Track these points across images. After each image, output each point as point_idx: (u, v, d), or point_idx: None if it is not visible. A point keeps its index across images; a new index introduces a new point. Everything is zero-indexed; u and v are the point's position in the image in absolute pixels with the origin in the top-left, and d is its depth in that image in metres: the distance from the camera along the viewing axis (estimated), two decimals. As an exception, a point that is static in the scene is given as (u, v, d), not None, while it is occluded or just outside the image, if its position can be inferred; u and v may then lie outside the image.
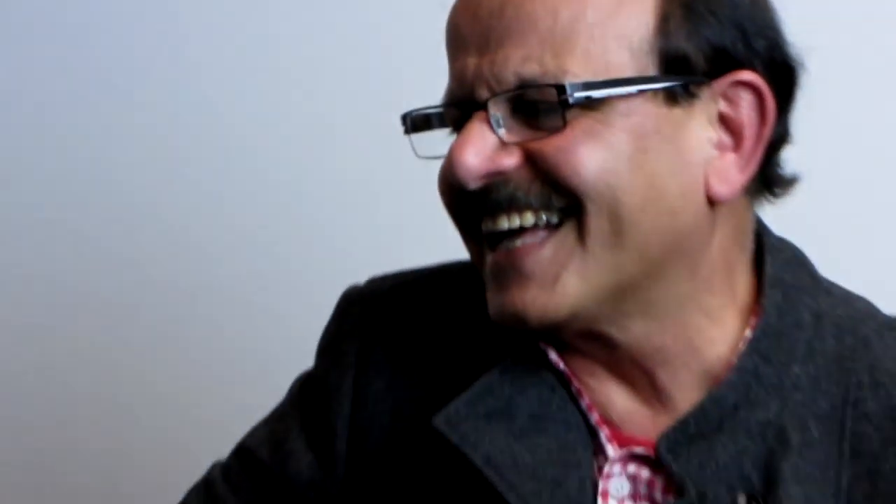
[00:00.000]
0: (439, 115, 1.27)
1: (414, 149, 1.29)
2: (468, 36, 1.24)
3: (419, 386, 1.35)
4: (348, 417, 1.36)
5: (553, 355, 1.29)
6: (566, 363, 1.30)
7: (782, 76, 1.27)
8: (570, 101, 1.20)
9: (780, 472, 1.24)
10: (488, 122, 1.22)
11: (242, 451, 1.40)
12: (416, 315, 1.38)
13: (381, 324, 1.39)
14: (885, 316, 1.33)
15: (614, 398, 1.30)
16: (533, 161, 1.22)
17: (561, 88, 1.20)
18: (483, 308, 1.27)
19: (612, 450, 1.27)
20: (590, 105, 1.21)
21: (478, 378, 1.31)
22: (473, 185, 1.23)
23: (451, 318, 1.37)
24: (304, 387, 1.41)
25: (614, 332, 1.27)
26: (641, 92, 1.22)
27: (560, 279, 1.23)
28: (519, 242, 1.23)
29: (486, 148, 1.22)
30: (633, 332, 1.27)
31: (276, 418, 1.41)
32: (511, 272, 1.24)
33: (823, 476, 1.25)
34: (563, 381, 1.30)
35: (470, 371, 1.32)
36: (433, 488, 1.31)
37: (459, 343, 1.35)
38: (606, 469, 1.27)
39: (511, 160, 1.23)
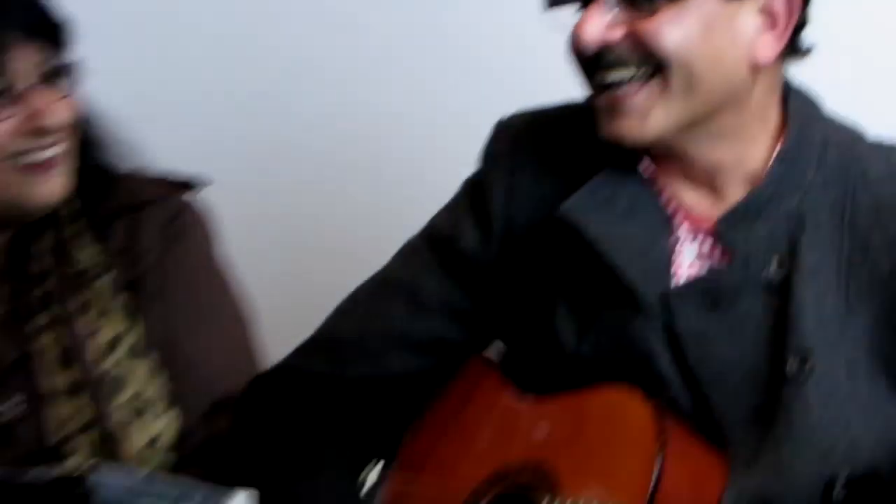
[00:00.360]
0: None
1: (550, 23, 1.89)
2: None
3: (552, 184, 1.97)
4: (502, 206, 1.99)
5: (643, 164, 1.93)
6: (652, 170, 1.93)
7: None
8: None
9: (799, 243, 1.88)
10: (603, 6, 1.82)
11: (428, 229, 2.04)
12: (552, 133, 2.00)
13: (527, 138, 2.01)
14: (871, 139, 1.96)
15: (684, 194, 1.92)
16: (633, 35, 1.82)
17: None
18: (594, 131, 1.91)
19: (683, 229, 1.91)
20: None
21: (590, 179, 1.95)
22: (589, 50, 1.83)
23: (575, 137, 1.97)
24: (470, 184, 2.03)
25: (687, 149, 1.89)
26: None
27: (648, 115, 1.84)
28: (620, 91, 1.83)
29: (600, 24, 1.82)
30: (700, 149, 1.89)
31: (451, 209, 2.04)
32: (614, 110, 1.85)
33: (831, 247, 1.89)
34: (649, 182, 1.93)
35: (587, 174, 1.95)
36: (561, 261, 1.95)
37: (581, 154, 1.96)
38: (679, 244, 1.91)
39: (617, 33, 1.83)
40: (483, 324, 2.06)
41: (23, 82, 2.17)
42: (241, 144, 3.09)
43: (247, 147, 3.09)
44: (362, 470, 2.12)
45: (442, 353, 2.06)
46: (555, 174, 2.03)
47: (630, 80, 1.86)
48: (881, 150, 1.99)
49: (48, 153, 2.20)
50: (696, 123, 1.90)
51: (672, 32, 1.84)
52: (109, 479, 1.74)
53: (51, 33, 2.21)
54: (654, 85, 1.86)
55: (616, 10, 1.86)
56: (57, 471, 1.78)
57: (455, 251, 2.05)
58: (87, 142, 2.30)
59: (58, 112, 2.19)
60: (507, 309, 2.05)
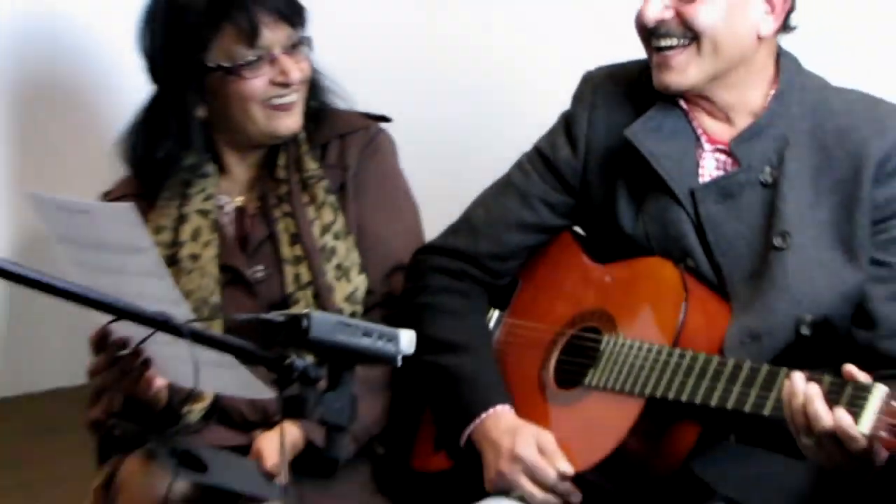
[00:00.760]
0: None
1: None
2: None
3: (620, 116, 2.68)
4: (585, 131, 2.72)
5: (682, 102, 2.63)
6: (687, 106, 2.63)
7: None
8: None
9: (784, 156, 2.56)
10: None
11: (534, 147, 2.77)
12: (620, 82, 2.72)
13: (602, 85, 2.73)
14: (832, 85, 2.63)
15: (708, 123, 2.63)
16: (679, 15, 2.55)
17: None
18: (650, 82, 2.62)
19: (707, 146, 2.62)
20: None
21: (645, 112, 2.64)
22: (650, 24, 2.55)
23: (636, 84, 2.69)
24: (563, 117, 2.76)
25: (711, 94, 2.60)
26: None
27: (686, 70, 2.57)
28: (670, 52, 2.56)
29: (658, 6, 2.55)
30: (720, 93, 2.60)
31: (550, 133, 2.77)
32: (664, 66, 2.58)
33: (807, 159, 2.55)
34: (685, 114, 2.63)
35: (643, 109, 2.66)
36: (625, 168, 2.66)
37: (639, 96, 2.67)
38: (704, 156, 2.63)
39: (668, 14, 2.56)
40: (572, 213, 2.73)
41: (275, 50, 2.78)
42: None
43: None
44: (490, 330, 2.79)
45: (543, 232, 2.75)
46: (621, 109, 2.69)
47: (675, 46, 2.55)
48: (840, 92, 2.63)
49: (288, 98, 2.82)
50: (718, 76, 2.57)
51: (705, 14, 2.53)
52: (322, 318, 2.12)
53: (293, 16, 2.81)
54: (691, 49, 2.55)
55: None
56: (288, 313, 2.20)
57: (552, 162, 2.73)
58: (312, 89, 2.88)
59: (296, 71, 2.79)
60: (588, 202, 2.70)
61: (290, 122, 2.85)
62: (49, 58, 3.47)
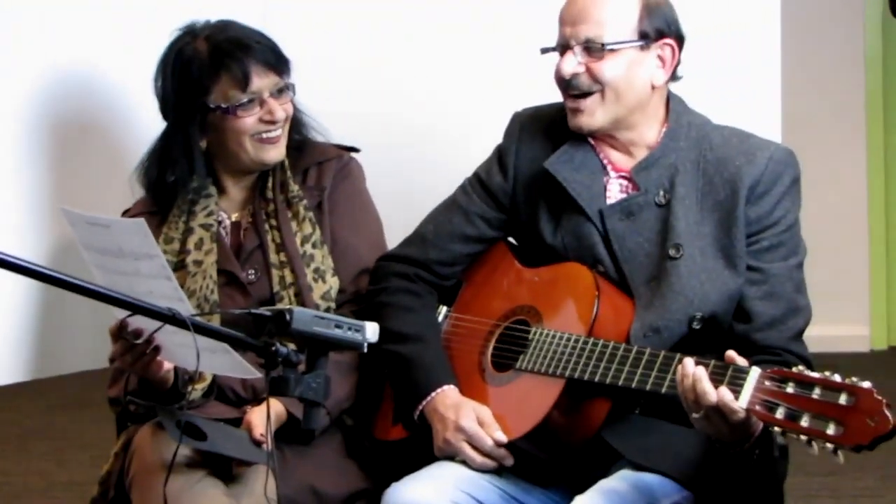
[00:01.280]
0: (554, 48, 2.74)
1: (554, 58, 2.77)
2: (566, 17, 2.71)
3: (541, 149, 2.82)
4: (514, 160, 2.86)
5: (590, 139, 2.78)
6: (595, 142, 2.77)
7: (680, 40, 2.75)
8: (605, 47, 2.68)
9: (675, 181, 2.71)
10: (572, 54, 2.70)
11: (474, 174, 2.92)
12: (542, 120, 2.86)
13: (528, 123, 2.87)
14: (713, 123, 2.78)
15: (613, 154, 2.78)
16: (588, 71, 2.71)
17: (602, 44, 2.68)
18: (566, 122, 2.77)
19: (613, 173, 2.76)
20: (611, 50, 2.68)
21: (560, 147, 2.77)
22: (566, 76, 2.70)
23: (555, 122, 2.81)
24: (497, 149, 2.90)
25: (615, 133, 2.75)
26: (632, 45, 2.69)
27: (595, 114, 2.72)
28: (581, 100, 2.71)
29: (572, 64, 2.71)
30: (623, 133, 2.76)
31: (486, 163, 2.91)
32: (577, 111, 2.73)
33: (693, 184, 2.70)
34: (593, 148, 2.77)
35: (560, 143, 2.78)
36: (545, 193, 2.79)
37: (557, 132, 2.80)
38: (610, 182, 2.77)
39: (581, 68, 2.71)
40: (505, 226, 2.88)
41: (264, 94, 2.93)
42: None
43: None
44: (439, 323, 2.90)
45: (481, 242, 2.89)
46: (542, 143, 2.84)
47: (585, 95, 2.72)
48: (718, 128, 2.79)
49: (274, 133, 2.95)
50: (619, 119, 2.74)
51: (609, 70, 2.69)
52: (302, 313, 2.31)
53: (279, 66, 2.96)
54: (596, 97, 2.71)
55: (579, 56, 2.70)
56: (274, 309, 2.35)
57: (488, 185, 2.88)
58: (294, 125, 3.02)
59: (280, 111, 2.94)
60: (517, 218, 2.85)
61: (275, 153, 2.99)
62: (83, 97, 3.59)
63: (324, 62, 3.82)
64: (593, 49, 2.70)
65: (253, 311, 2.35)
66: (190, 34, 3.00)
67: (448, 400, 2.76)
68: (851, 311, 5.72)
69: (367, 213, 3.09)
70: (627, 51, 2.71)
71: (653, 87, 2.76)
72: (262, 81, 2.96)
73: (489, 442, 2.71)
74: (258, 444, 2.79)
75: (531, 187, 2.84)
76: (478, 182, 2.92)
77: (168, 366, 2.73)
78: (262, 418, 2.81)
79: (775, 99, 3.84)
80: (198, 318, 2.36)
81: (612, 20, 2.71)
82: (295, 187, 3.04)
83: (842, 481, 4.04)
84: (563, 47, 2.73)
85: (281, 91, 2.99)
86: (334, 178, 3.05)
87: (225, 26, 3.00)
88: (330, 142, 3.13)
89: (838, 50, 5.71)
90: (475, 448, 2.72)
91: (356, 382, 2.95)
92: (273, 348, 2.34)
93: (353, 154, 3.14)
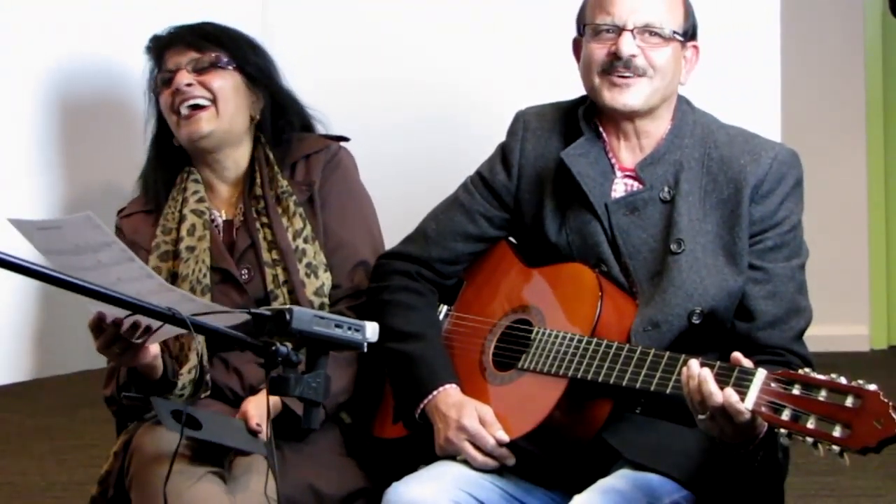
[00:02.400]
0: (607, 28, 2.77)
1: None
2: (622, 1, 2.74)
3: (543, 146, 2.86)
4: (518, 158, 2.88)
5: (603, 135, 2.81)
6: (607, 137, 2.81)
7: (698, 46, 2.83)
8: (665, 35, 2.73)
9: (680, 178, 2.74)
10: (631, 34, 2.73)
11: (477, 172, 2.93)
12: (545, 118, 2.89)
13: (532, 121, 2.89)
14: (718, 121, 2.81)
15: (621, 153, 2.80)
16: (644, 55, 2.73)
17: (666, 32, 2.73)
18: (571, 117, 2.87)
19: (619, 172, 2.79)
20: (669, 38, 2.74)
21: (569, 144, 2.81)
22: (625, 56, 2.71)
23: (558, 123, 2.87)
24: (500, 147, 2.92)
25: (638, 119, 2.77)
26: (679, 39, 2.76)
27: (639, 95, 2.73)
28: (632, 79, 2.73)
29: (632, 45, 2.72)
30: (643, 121, 2.78)
31: (490, 161, 2.92)
32: (624, 88, 2.74)
33: (697, 181, 2.73)
34: (604, 146, 2.79)
35: (567, 139, 2.83)
36: (551, 188, 2.81)
37: (563, 129, 2.86)
38: (616, 181, 2.79)
39: (638, 51, 2.72)
40: (507, 225, 2.89)
41: (181, 69, 2.94)
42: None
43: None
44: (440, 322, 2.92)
45: (483, 241, 2.90)
46: (547, 141, 2.86)
47: (633, 76, 2.73)
48: (724, 127, 2.81)
49: (184, 110, 2.94)
50: (653, 106, 2.76)
51: (664, 57, 2.74)
52: (302, 312, 2.30)
53: (197, 41, 2.96)
54: (646, 80, 2.73)
55: (637, 38, 2.72)
56: (274, 308, 2.33)
57: (491, 184, 2.89)
58: (275, 113, 3.02)
59: (185, 79, 2.92)
60: (521, 217, 2.86)
61: (193, 128, 2.98)
62: (90, 91, 3.62)
63: (323, 60, 3.84)
64: (653, 34, 2.75)
65: (253, 310, 2.35)
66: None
67: (450, 399, 2.77)
68: (851, 310, 5.73)
69: (360, 205, 3.08)
70: (676, 43, 2.77)
71: (680, 82, 2.82)
72: (177, 57, 2.99)
73: (491, 441, 2.71)
74: (254, 433, 2.79)
75: (536, 185, 2.87)
76: (480, 180, 2.93)
77: (155, 350, 2.75)
78: (258, 407, 2.82)
79: (775, 99, 3.85)
80: (198, 318, 2.35)
81: (670, 11, 2.77)
82: (284, 182, 3.03)
83: (842, 481, 4.05)
84: (620, 29, 2.75)
85: (202, 67, 2.99)
86: (323, 172, 3.04)
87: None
88: (317, 133, 3.13)
89: (838, 50, 5.72)
90: (477, 447, 2.72)
91: (353, 376, 2.96)
92: (273, 348, 2.34)
93: (344, 143, 3.12)
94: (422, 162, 3.81)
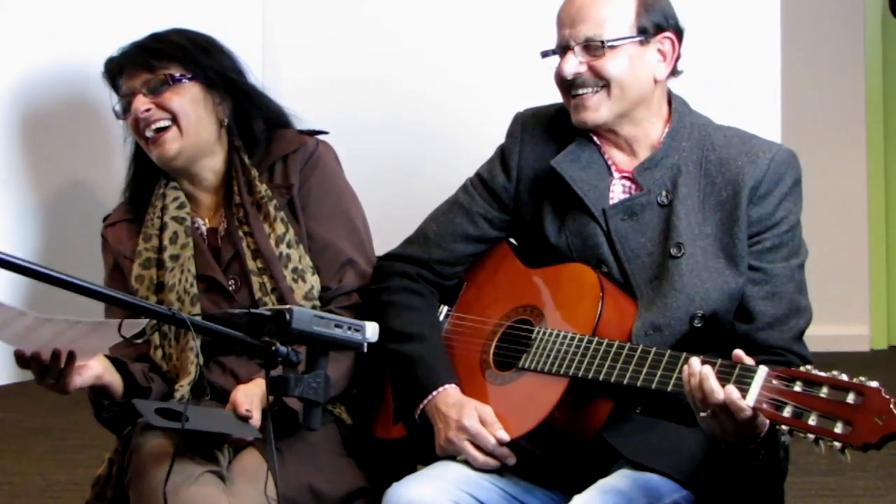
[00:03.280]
0: (554, 52, 2.77)
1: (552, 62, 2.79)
2: (564, 19, 2.73)
3: (543, 149, 2.85)
4: (517, 160, 2.87)
5: (595, 139, 2.80)
6: (600, 141, 2.79)
7: (679, 33, 2.76)
8: (605, 45, 2.69)
9: (677, 181, 2.73)
10: (572, 54, 2.72)
11: (477, 174, 2.94)
12: (543, 120, 2.88)
13: (530, 123, 2.89)
14: (715, 123, 2.79)
15: (616, 155, 2.80)
16: (591, 69, 2.71)
17: (602, 42, 2.70)
18: (569, 119, 2.78)
19: (616, 174, 2.78)
20: (611, 46, 2.69)
21: (567, 146, 2.80)
22: (569, 77, 2.71)
23: (556, 122, 2.85)
24: (500, 149, 2.92)
25: (619, 129, 2.77)
26: (632, 41, 2.71)
27: (599, 109, 2.72)
28: (585, 96, 2.72)
29: (574, 64, 2.72)
30: (626, 129, 2.77)
31: (489, 162, 2.93)
32: (581, 107, 2.73)
33: (695, 184, 2.71)
34: (598, 148, 2.78)
35: (563, 142, 2.82)
36: (550, 192, 2.80)
37: (559, 131, 2.83)
38: (613, 183, 2.78)
39: (583, 67, 2.72)
40: (507, 227, 2.89)
41: (136, 92, 2.89)
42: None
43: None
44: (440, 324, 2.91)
45: (483, 242, 2.91)
46: (545, 143, 2.85)
47: (589, 92, 2.73)
48: (720, 129, 2.80)
49: (149, 133, 2.89)
50: (624, 114, 2.74)
51: (612, 66, 2.71)
52: (301, 312, 2.32)
53: (147, 61, 2.90)
54: (602, 93, 2.72)
55: (580, 55, 2.71)
56: (274, 308, 2.34)
57: (490, 186, 2.89)
58: (239, 112, 2.96)
59: (142, 105, 2.87)
60: (521, 218, 2.86)
61: (160, 151, 2.94)
62: (71, 95, 3.58)
63: (322, 62, 3.82)
64: (593, 47, 2.72)
65: (252, 311, 2.35)
66: None
67: (450, 399, 2.77)
68: (851, 310, 5.73)
69: (342, 202, 3.03)
70: (627, 46, 2.73)
71: (655, 81, 2.78)
72: (130, 81, 2.95)
73: (492, 441, 2.71)
74: (244, 419, 2.77)
75: (535, 187, 2.86)
76: (480, 182, 2.93)
77: (97, 370, 2.75)
78: (246, 395, 2.80)
79: (775, 99, 3.85)
80: (198, 319, 2.37)
81: (609, 18, 2.72)
82: (263, 187, 2.99)
83: (842, 481, 4.05)
84: (563, 48, 2.75)
85: (155, 86, 2.94)
86: (302, 173, 2.99)
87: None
88: (293, 129, 3.08)
89: (838, 50, 5.72)
90: (478, 447, 2.73)
91: (350, 368, 2.94)
92: (273, 348, 2.34)
93: (322, 136, 3.07)
94: (419, 158, 3.81)
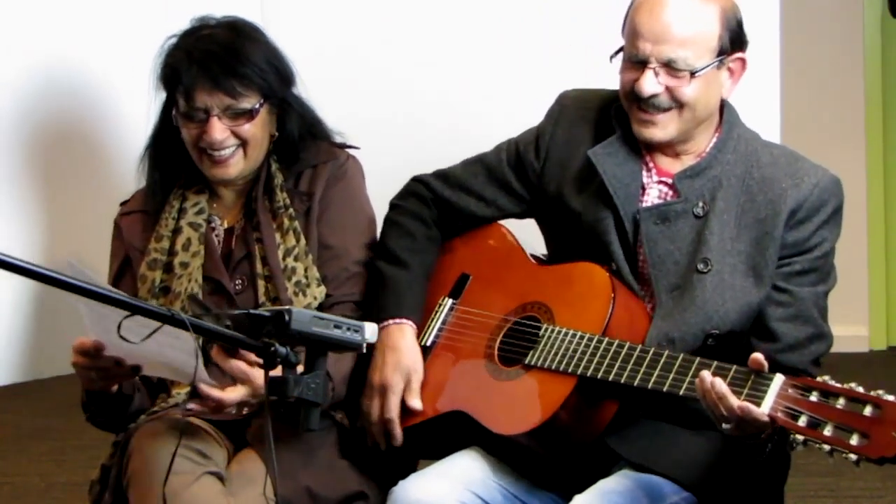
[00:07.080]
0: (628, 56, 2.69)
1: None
2: (646, 33, 2.65)
3: (577, 134, 2.83)
4: (548, 141, 2.85)
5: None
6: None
7: (746, 47, 2.71)
8: (693, 74, 2.63)
9: (716, 195, 2.69)
10: (654, 71, 2.65)
11: (515, 140, 2.91)
12: (587, 104, 2.85)
13: (570, 106, 2.87)
14: (762, 139, 2.76)
15: (658, 158, 2.75)
16: (668, 91, 2.66)
17: (690, 71, 2.63)
18: (613, 109, 2.78)
19: (655, 176, 2.74)
20: (693, 74, 2.63)
21: (605, 135, 2.77)
22: (645, 95, 2.65)
23: (598, 112, 2.82)
24: (537, 127, 2.88)
25: (674, 142, 2.71)
26: (712, 67, 2.65)
27: (668, 128, 2.67)
28: (656, 115, 2.67)
29: (653, 83, 2.65)
30: (680, 143, 2.72)
31: (528, 133, 2.88)
32: (650, 123, 2.69)
33: (734, 199, 2.67)
34: (642, 149, 2.74)
35: (602, 130, 2.79)
36: (576, 180, 2.79)
37: (601, 119, 2.81)
38: (650, 185, 2.74)
39: (660, 88, 2.66)
40: (526, 205, 2.87)
41: (211, 111, 2.85)
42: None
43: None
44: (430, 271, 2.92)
45: (495, 211, 2.89)
46: (581, 127, 2.82)
47: (660, 111, 2.66)
48: (767, 146, 2.75)
49: (217, 156, 2.88)
50: (688, 131, 2.71)
51: (691, 91, 2.65)
52: (301, 313, 2.29)
53: (230, 89, 2.85)
54: (673, 113, 2.67)
55: (661, 76, 2.64)
56: (273, 309, 2.32)
57: (521, 157, 2.86)
58: (282, 123, 2.95)
59: (218, 134, 2.85)
60: (544, 194, 2.84)
61: (220, 172, 2.94)
62: (71, 96, 3.61)
63: (323, 62, 3.83)
64: (676, 69, 2.66)
65: (251, 311, 2.34)
66: (191, 29, 2.96)
67: (398, 341, 2.81)
68: (850, 311, 5.71)
69: (358, 217, 3.03)
70: (707, 70, 2.67)
71: (721, 100, 2.76)
72: (209, 99, 2.89)
73: (394, 412, 2.77)
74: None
75: (561, 170, 2.83)
76: (515, 150, 2.91)
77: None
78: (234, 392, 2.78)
79: (775, 99, 3.84)
80: (197, 320, 2.35)
81: (695, 40, 2.65)
82: (282, 196, 2.98)
83: (842, 481, 4.05)
84: (642, 63, 2.67)
85: (235, 113, 2.90)
86: (327, 182, 2.98)
87: (200, 34, 2.93)
88: (329, 140, 3.07)
89: (838, 50, 5.72)
90: (381, 406, 2.78)
91: (346, 376, 2.91)
92: (272, 349, 2.32)
93: (353, 151, 3.07)
94: (420, 159, 3.60)
